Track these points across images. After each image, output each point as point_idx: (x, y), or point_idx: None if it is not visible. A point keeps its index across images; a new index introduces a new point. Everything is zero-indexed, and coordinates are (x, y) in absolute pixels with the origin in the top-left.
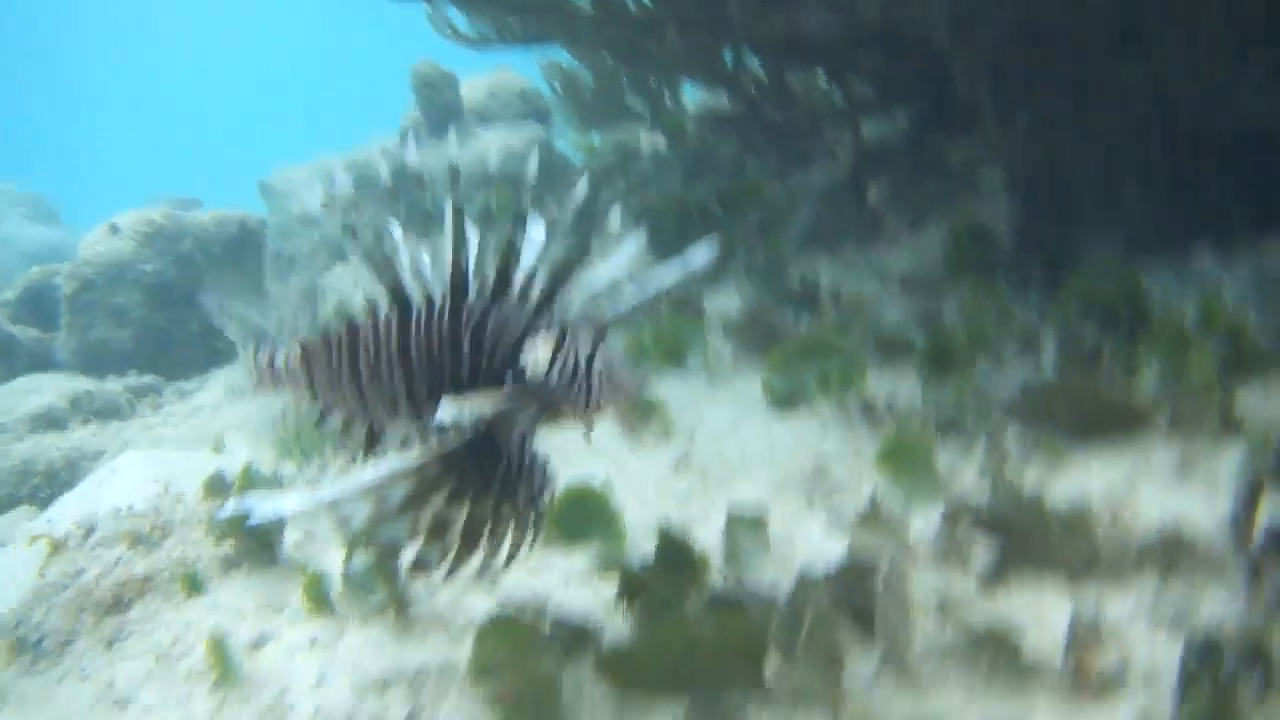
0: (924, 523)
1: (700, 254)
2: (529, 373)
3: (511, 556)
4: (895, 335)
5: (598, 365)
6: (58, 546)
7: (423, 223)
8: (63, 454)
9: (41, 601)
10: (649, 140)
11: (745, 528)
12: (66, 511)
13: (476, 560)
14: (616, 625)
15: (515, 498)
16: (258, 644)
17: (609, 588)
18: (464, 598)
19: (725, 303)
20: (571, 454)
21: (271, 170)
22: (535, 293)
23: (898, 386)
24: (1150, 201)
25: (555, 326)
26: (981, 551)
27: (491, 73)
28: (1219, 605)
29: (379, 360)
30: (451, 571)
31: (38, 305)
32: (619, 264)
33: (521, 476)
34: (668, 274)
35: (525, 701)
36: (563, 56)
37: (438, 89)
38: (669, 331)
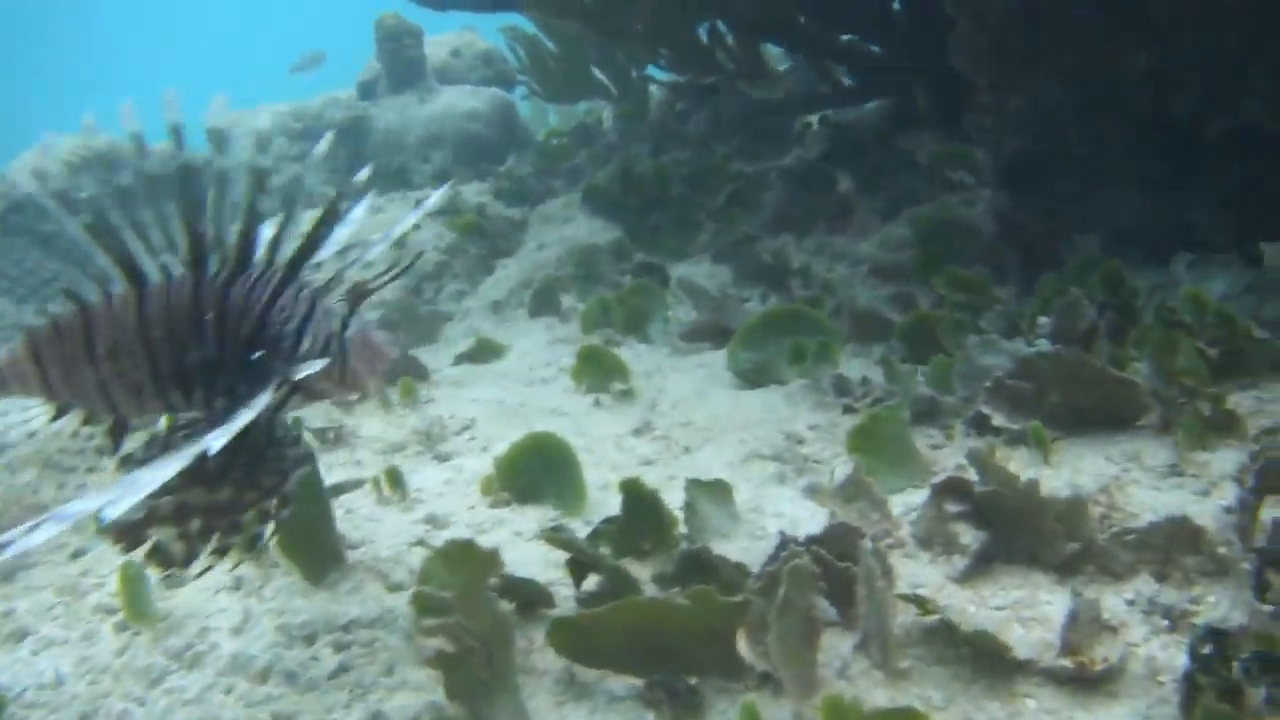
0: (904, 504)
1: (434, 198)
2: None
3: (253, 543)
4: (870, 312)
5: (350, 334)
6: None
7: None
8: None
9: None
10: (612, 115)
11: (709, 492)
12: None
13: (211, 546)
14: (569, 589)
15: (257, 481)
16: (178, 582)
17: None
18: (407, 553)
19: (690, 274)
20: (530, 414)
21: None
22: (280, 262)
23: (870, 366)
24: (1137, 204)
25: (304, 296)
26: (967, 537)
27: (458, 32)
28: (1223, 605)
29: (119, 342)
30: (190, 559)
31: None
32: (354, 221)
33: (266, 458)
34: (407, 220)
35: (470, 657)
36: (525, 23)
37: (402, 43)
38: (632, 299)
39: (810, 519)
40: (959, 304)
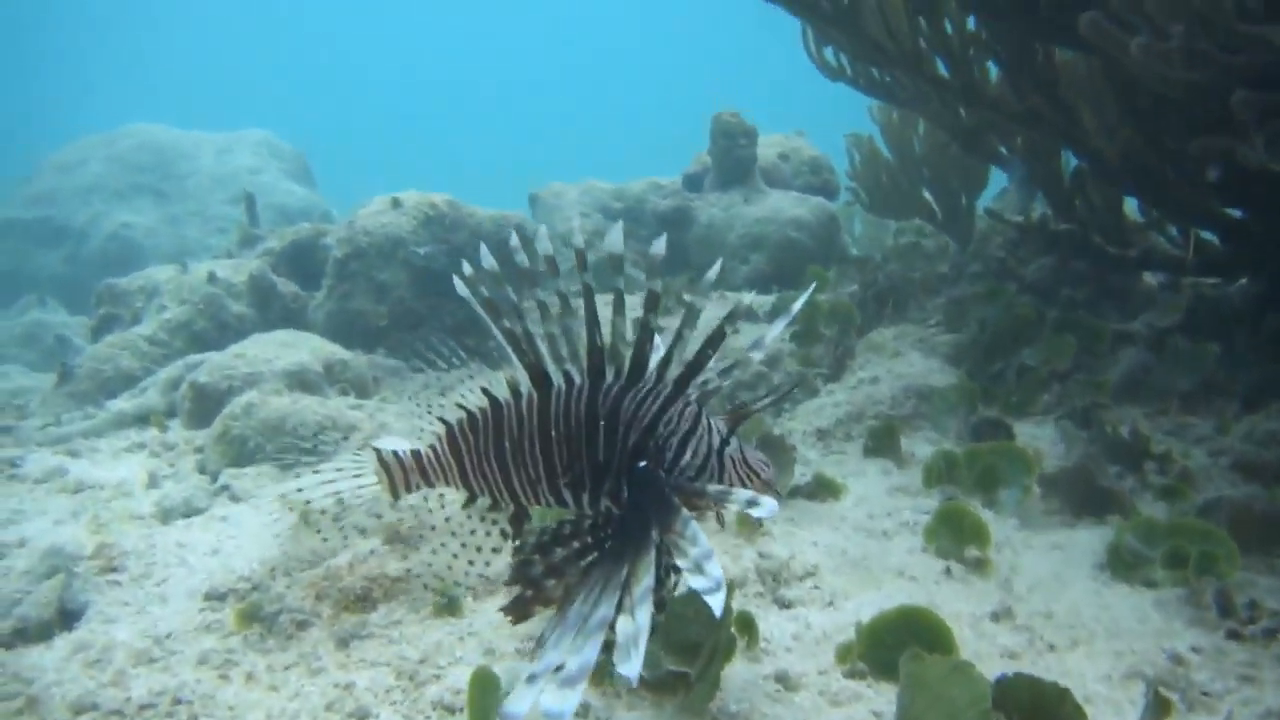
0: None
1: (798, 304)
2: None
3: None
4: (1262, 516)
5: (730, 452)
6: (308, 520)
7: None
8: (318, 419)
9: (285, 573)
10: (934, 239)
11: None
12: (319, 484)
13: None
14: None
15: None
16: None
17: None
18: (761, 704)
19: (1034, 437)
20: (875, 570)
21: (544, 184)
22: (671, 376)
23: (1253, 582)
24: None
25: (689, 411)
26: None
27: (787, 136)
28: None
29: (522, 439)
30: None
31: (299, 262)
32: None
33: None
34: (776, 328)
35: None
36: (874, 130)
37: (736, 141)
38: (986, 458)
39: None
40: None
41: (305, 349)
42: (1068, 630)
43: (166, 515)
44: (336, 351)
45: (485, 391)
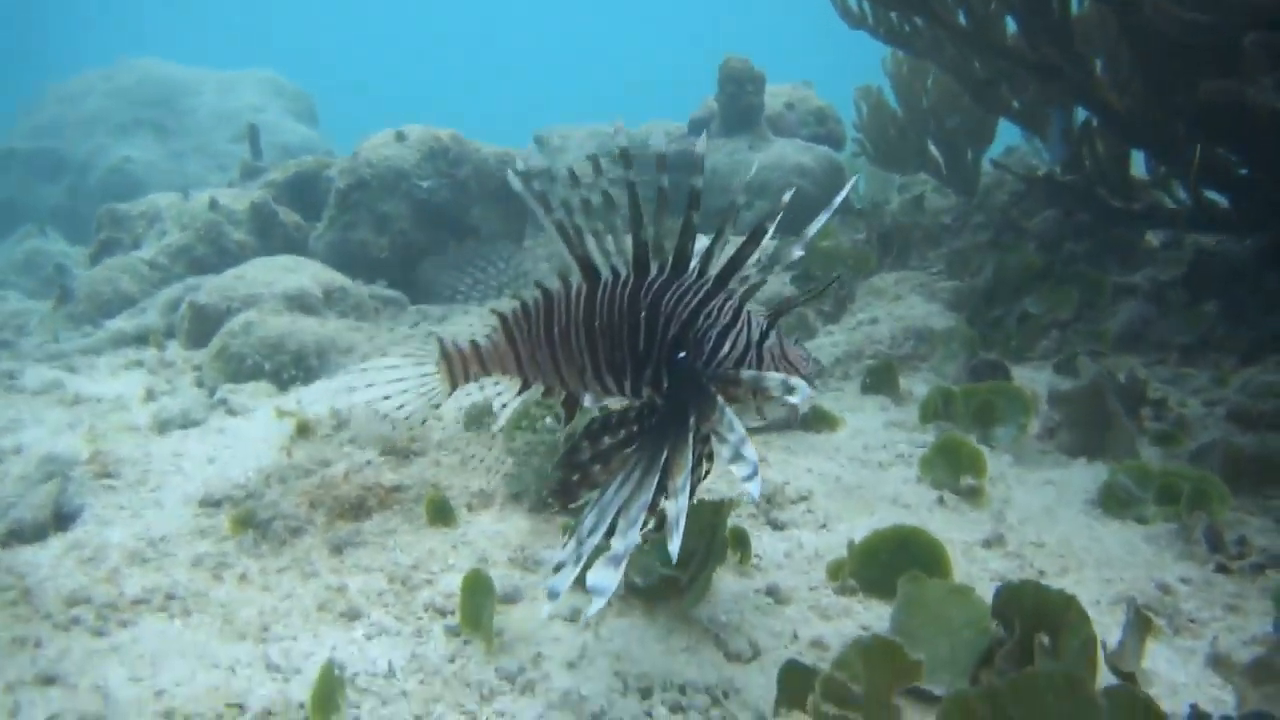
0: None
1: (825, 216)
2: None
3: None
4: (1257, 458)
5: (769, 346)
6: (305, 430)
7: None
8: (316, 339)
9: (281, 481)
10: (941, 196)
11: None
12: (318, 398)
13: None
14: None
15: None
16: (510, 598)
17: None
18: (750, 615)
19: (1031, 381)
20: (869, 498)
21: (547, 125)
22: (712, 271)
23: (1242, 521)
24: None
25: (729, 306)
26: None
27: (794, 86)
28: None
29: (569, 328)
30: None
31: (301, 193)
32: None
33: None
34: (819, 221)
35: None
36: (883, 83)
37: (743, 87)
38: (983, 394)
39: (1192, 686)
40: None
41: (306, 274)
42: (1058, 559)
43: (163, 427)
44: (337, 278)
45: (537, 283)
